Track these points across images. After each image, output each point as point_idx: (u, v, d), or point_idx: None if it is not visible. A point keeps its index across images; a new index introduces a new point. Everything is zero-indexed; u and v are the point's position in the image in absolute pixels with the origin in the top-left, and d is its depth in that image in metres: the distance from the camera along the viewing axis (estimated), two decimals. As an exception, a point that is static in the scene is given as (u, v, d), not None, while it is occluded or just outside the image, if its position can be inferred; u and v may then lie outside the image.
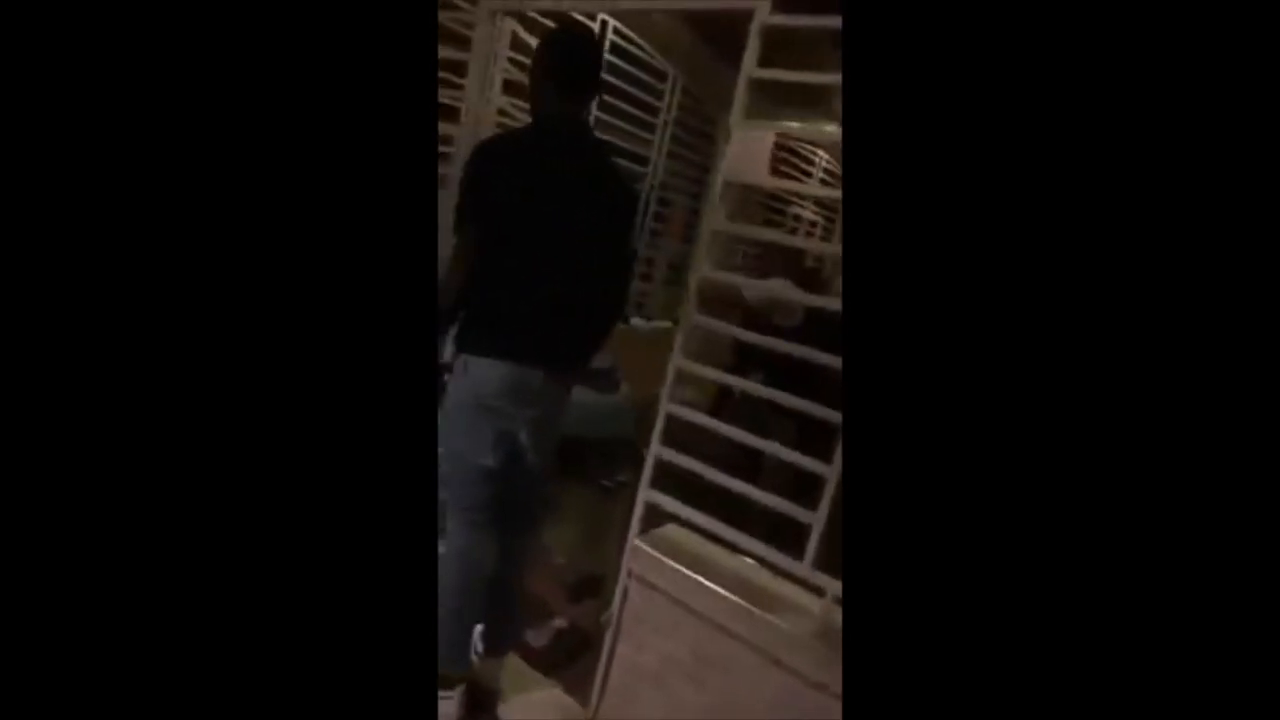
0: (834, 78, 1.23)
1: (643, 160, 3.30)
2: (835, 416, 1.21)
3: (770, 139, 1.14)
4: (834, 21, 1.30)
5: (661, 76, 3.17)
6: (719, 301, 2.62)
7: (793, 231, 3.84)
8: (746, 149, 1.22)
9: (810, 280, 2.87)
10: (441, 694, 1.52)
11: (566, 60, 1.39)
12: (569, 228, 1.35)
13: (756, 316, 2.55)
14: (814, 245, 2.64)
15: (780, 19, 1.22)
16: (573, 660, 1.80)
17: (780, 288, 2.43)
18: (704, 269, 1.32)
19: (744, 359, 2.45)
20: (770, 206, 3.84)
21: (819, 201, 4.17)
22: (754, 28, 1.25)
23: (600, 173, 1.43)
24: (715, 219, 1.29)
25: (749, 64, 1.26)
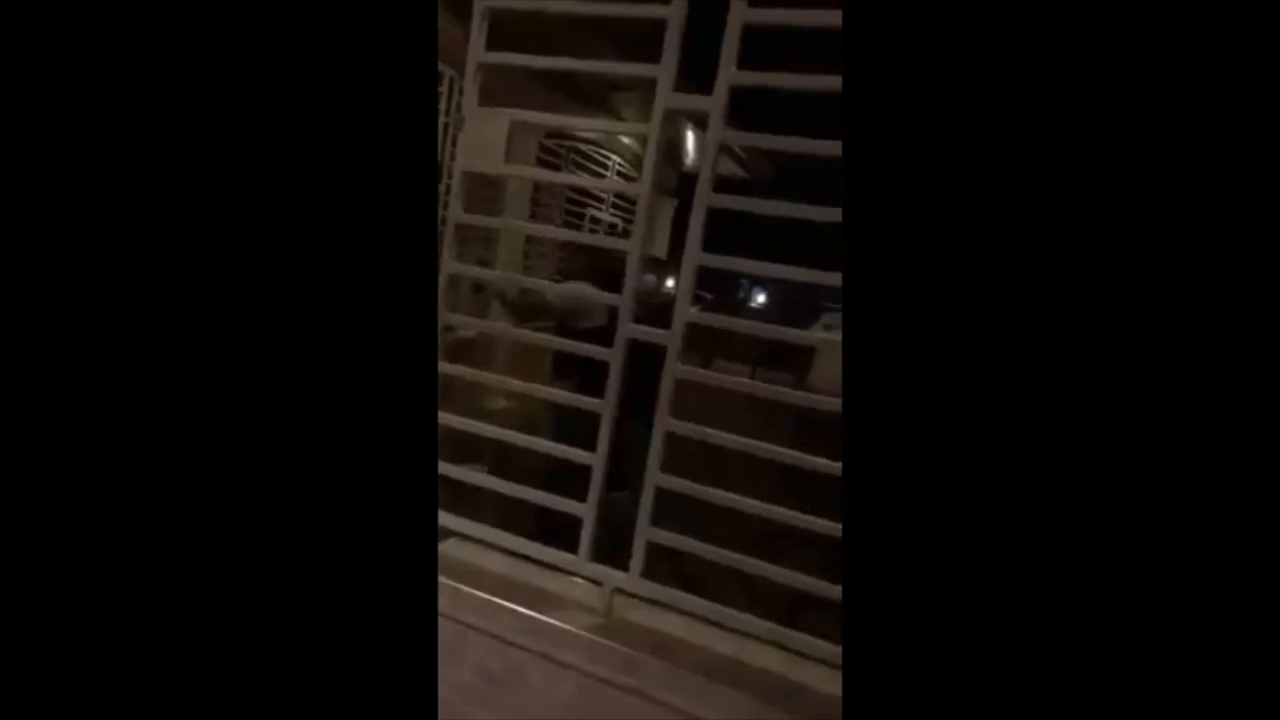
0: (572, 64, 1.22)
1: (427, 165, 3.15)
2: (604, 408, 1.20)
3: (505, 128, 1.10)
4: (558, 5, 1.29)
5: (437, 78, 3.05)
6: (528, 307, 2.55)
7: (592, 233, 3.87)
8: (481, 138, 1.17)
9: (615, 280, 2.88)
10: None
11: None
12: None
13: (564, 321, 2.52)
14: (591, 239, 2.66)
15: (500, 1, 1.19)
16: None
17: (577, 290, 2.42)
18: (449, 264, 1.25)
19: (558, 364, 2.41)
20: (568, 210, 3.84)
21: (617, 205, 4.25)
22: (477, 10, 1.20)
23: None
24: (455, 211, 1.23)
25: (476, 49, 1.21)
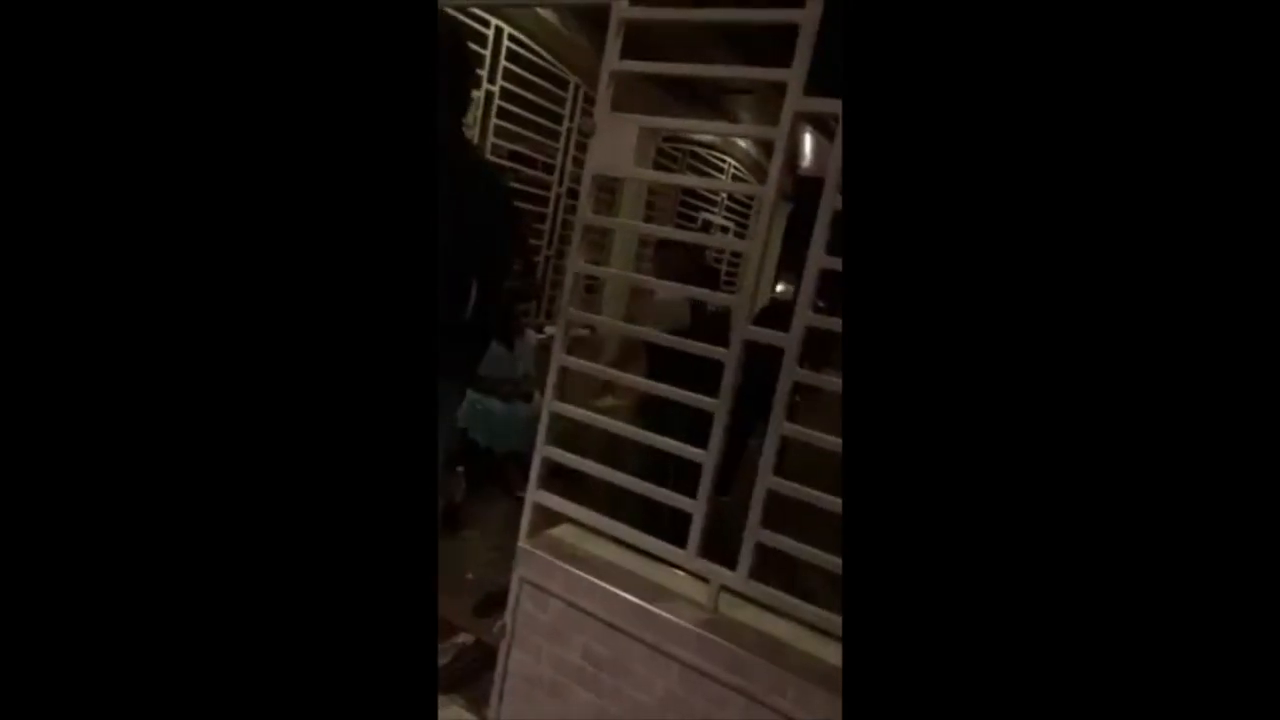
0: (704, 70, 1.25)
1: (550, 168, 3.29)
2: (718, 408, 1.22)
3: (634, 133, 1.14)
4: (697, 14, 1.33)
5: (563, 84, 3.18)
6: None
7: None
8: (611, 142, 1.22)
9: (709, 279, 2.89)
10: None
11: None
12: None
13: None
14: (687, 236, 2.66)
15: (637, 12, 1.23)
16: (476, 676, 1.74)
17: (659, 302, 2.46)
18: (576, 263, 1.31)
19: (652, 370, 2.47)
20: (681, 213, 3.89)
21: (729, 208, 4.24)
22: (614, 21, 1.25)
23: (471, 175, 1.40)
24: (584, 213, 1.29)
25: (610, 58, 1.26)
